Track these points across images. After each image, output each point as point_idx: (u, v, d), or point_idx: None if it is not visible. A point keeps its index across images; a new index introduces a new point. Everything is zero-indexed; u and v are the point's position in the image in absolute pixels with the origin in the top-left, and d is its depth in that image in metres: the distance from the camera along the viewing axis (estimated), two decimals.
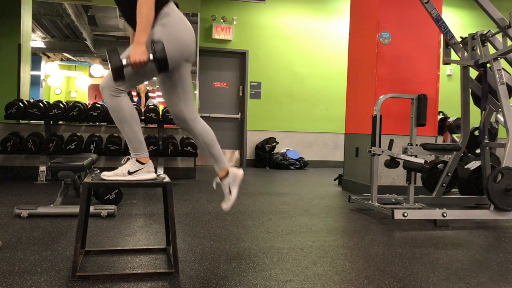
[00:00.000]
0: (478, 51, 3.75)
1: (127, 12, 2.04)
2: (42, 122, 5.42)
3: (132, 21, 2.00)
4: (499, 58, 3.56)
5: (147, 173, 2.06)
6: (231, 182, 2.33)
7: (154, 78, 2.21)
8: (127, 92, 2.03)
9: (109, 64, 1.83)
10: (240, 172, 2.37)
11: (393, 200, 3.98)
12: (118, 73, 1.83)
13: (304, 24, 8.36)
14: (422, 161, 3.51)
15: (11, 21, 6.01)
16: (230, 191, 2.33)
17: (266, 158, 7.92)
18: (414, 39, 4.78)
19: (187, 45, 2.04)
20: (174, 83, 2.11)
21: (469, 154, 4.62)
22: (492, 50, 3.72)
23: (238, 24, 8.03)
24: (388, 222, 3.40)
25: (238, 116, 8.21)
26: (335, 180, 5.94)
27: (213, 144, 2.29)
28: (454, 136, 5.37)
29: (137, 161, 2.05)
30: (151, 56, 1.86)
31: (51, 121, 5.46)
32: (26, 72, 6.20)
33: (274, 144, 8.03)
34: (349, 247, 2.65)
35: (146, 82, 6.83)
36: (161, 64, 1.87)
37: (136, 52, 1.85)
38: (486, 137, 3.97)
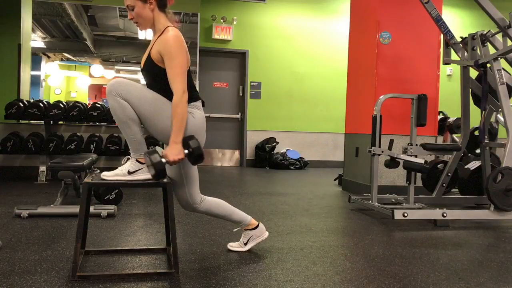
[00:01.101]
0: (478, 51, 3.75)
1: (148, 80, 2.12)
2: (42, 122, 5.42)
3: (149, 86, 2.10)
4: (499, 58, 3.56)
5: (147, 173, 2.07)
6: (254, 237, 2.43)
7: None
8: None
9: (151, 166, 1.93)
10: (267, 234, 2.47)
11: (393, 200, 3.98)
12: (162, 175, 1.95)
13: (304, 24, 8.36)
14: (422, 161, 3.51)
15: (11, 21, 6.01)
16: (246, 243, 2.43)
17: (266, 158, 7.92)
18: (414, 39, 4.78)
19: (200, 142, 2.13)
20: (179, 173, 2.16)
21: (469, 154, 4.62)
22: (492, 50, 3.72)
23: (238, 24, 8.03)
24: (388, 222, 3.40)
25: (238, 116, 8.21)
26: (335, 180, 5.94)
27: (230, 213, 2.36)
28: (454, 136, 5.37)
29: (137, 161, 2.05)
30: (186, 152, 1.98)
31: (51, 121, 5.46)
32: (26, 72, 6.20)
33: (274, 144, 8.03)
34: (349, 247, 2.65)
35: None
36: (197, 160, 2.00)
37: (173, 152, 1.96)
38: (486, 137, 3.97)
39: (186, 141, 1.99)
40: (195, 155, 1.98)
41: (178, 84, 1.97)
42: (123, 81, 2.01)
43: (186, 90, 2.00)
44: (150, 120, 2.02)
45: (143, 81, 2.22)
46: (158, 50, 2.01)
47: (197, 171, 2.23)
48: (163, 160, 1.95)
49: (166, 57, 1.99)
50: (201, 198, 2.26)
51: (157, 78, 2.05)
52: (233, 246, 2.47)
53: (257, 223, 2.45)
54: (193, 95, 2.09)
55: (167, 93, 2.03)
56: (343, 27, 7.97)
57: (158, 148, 2.03)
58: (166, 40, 1.99)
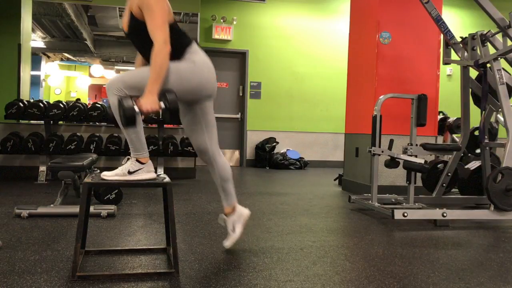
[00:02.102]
0: (478, 51, 3.75)
1: (141, 49, 2.12)
2: (42, 122, 5.42)
3: (146, 56, 2.06)
4: (499, 58, 3.56)
5: (147, 173, 2.07)
6: (236, 220, 2.42)
7: None
8: None
9: (121, 112, 1.87)
10: (246, 211, 2.47)
11: (393, 200, 3.98)
12: (129, 120, 1.87)
13: (304, 24, 8.36)
14: (422, 161, 3.51)
15: (11, 21, 6.01)
16: (234, 229, 2.42)
17: (266, 158, 7.92)
18: (414, 39, 4.78)
19: (208, 84, 2.14)
20: (197, 118, 2.18)
21: (469, 154, 4.62)
22: (492, 50, 3.72)
23: (238, 24, 8.03)
24: (388, 222, 3.40)
25: (238, 116, 8.21)
26: (335, 180, 5.94)
27: (228, 180, 2.38)
28: (454, 136, 5.37)
29: (137, 161, 2.05)
30: (162, 105, 1.90)
31: (51, 121, 5.46)
32: (26, 72, 6.20)
33: (274, 144, 8.03)
34: (349, 247, 2.65)
35: None
36: (172, 115, 1.91)
37: (147, 101, 1.89)
38: (486, 137, 3.97)
39: (163, 94, 1.91)
40: (171, 110, 1.89)
41: (158, 34, 1.93)
42: (118, 76, 2.02)
43: (168, 41, 1.94)
44: (194, 81, 2.02)
45: None
46: (137, 3, 1.98)
47: (215, 122, 2.29)
48: (136, 108, 1.88)
49: (145, 9, 1.96)
50: (219, 151, 2.30)
51: (143, 35, 1.99)
52: (228, 242, 2.42)
53: (235, 206, 2.43)
54: (185, 41, 2.06)
55: None
56: (343, 27, 7.96)
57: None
58: None
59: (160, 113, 1.96)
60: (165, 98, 1.89)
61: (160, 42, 1.93)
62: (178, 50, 2.04)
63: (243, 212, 2.46)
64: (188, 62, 2.07)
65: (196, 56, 2.10)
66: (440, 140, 5.27)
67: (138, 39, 2.08)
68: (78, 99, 7.84)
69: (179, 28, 2.12)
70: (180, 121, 2.11)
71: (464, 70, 4.01)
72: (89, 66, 8.93)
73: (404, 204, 3.74)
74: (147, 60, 2.12)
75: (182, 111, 2.24)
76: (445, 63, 4.19)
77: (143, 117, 1.99)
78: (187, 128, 2.32)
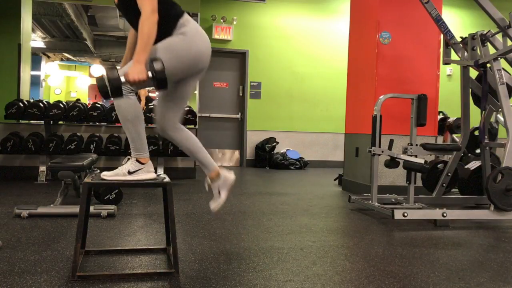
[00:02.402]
0: (478, 51, 3.75)
1: (131, 20, 2.05)
2: (42, 122, 5.42)
3: (133, 24, 2.02)
4: (499, 58, 3.56)
5: (147, 173, 2.07)
6: (221, 185, 2.32)
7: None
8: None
9: (106, 82, 1.81)
10: (231, 176, 2.35)
11: (393, 200, 3.98)
12: (116, 91, 1.82)
13: (304, 24, 8.36)
14: (422, 161, 3.51)
15: (11, 21, 6.01)
16: (219, 193, 2.32)
17: (266, 158, 7.92)
18: (414, 39, 4.78)
19: (203, 57, 2.05)
20: (174, 94, 2.08)
21: (469, 154, 4.62)
22: (492, 50, 3.72)
23: (238, 24, 8.03)
24: (388, 222, 3.40)
25: (238, 116, 8.21)
26: (335, 180, 5.94)
27: (197, 151, 2.25)
28: (454, 136, 5.37)
29: (137, 161, 2.05)
30: (150, 74, 1.85)
31: (51, 121, 5.46)
32: (26, 72, 6.20)
33: (274, 144, 8.03)
34: (349, 247, 2.65)
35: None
36: (160, 84, 1.85)
37: (134, 71, 1.83)
38: (486, 137, 3.97)
39: (150, 63, 1.86)
40: (158, 79, 1.83)
41: (146, 3, 1.87)
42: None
43: (155, 10, 1.89)
44: (172, 69, 1.94)
45: None
46: None
47: (187, 102, 2.16)
48: (122, 78, 1.83)
49: None
50: (180, 127, 2.18)
51: (133, 7, 1.93)
52: (214, 205, 2.36)
53: (219, 172, 2.32)
54: (176, 12, 2.00)
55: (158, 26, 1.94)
56: (343, 27, 7.95)
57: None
58: None
59: (151, 82, 1.90)
60: (152, 67, 1.85)
61: (148, 11, 1.87)
62: (168, 22, 1.97)
63: (228, 177, 2.33)
64: (180, 37, 1.99)
65: (188, 27, 2.01)
66: (440, 140, 5.27)
67: (128, 10, 2.01)
68: (78, 99, 7.85)
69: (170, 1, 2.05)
70: (167, 89, 2.00)
71: (464, 70, 4.01)
72: (89, 66, 8.93)
73: (404, 204, 3.74)
74: (130, 23, 2.05)
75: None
76: (445, 63, 4.19)
77: (132, 87, 1.90)
78: (160, 99, 2.18)
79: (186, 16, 2.04)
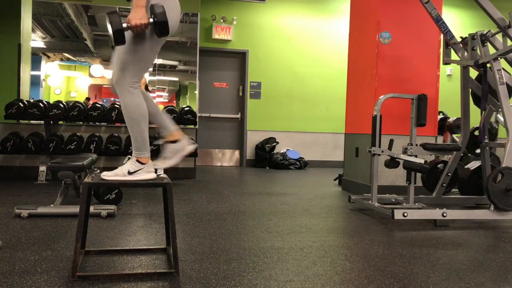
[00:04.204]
0: (478, 51, 3.75)
1: None
2: (42, 122, 5.42)
3: None
4: (499, 58, 3.56)
5: (147, 173, 2.06)
6: (175, 149, 2.21)
7: (154, 78, 2.20)
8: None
9: (109, 28, 1.81)
10: (189, 147, 2.25)
11: (393, 200, 3.98)
12: (118, 36, 1.81)
13: (304, 24, 8.36)
14: (422, 161, 3.51)
15: (11, 21, 6.01)
16: (170, 157, 2.22)
17: (266, 158, 7.92)
18: (414, 39, 4.78)
19: (174, 20, 2.01)
20: (136, 49, 1.97)
21: (469, 154, 4.62)
22: (492, 50, 3.72)
23: (238, 24, 8.03)
24: (388, 222, 3.40)
25: (238, 116, 8.21)
26: (335, 180, 5.94)
27: (150, 116, 2.09)
28: (454, 136, 5.37)
29: (138, 161, 2.05)
30: (151, 20, 1.87)
31: (51, 121, 5.46)
32: (26, 72, 6.20)
33: (274, 144, 8.03)
34: (349, 247, 2.65)
35: (147, 77, 6.81)
36: (161, 27, 1.87)
37: (136, 16, 1.85)
38: (486, 137, 3.97)
39: (152, 7, 1.88)
40: (159, 22, 1.85)
41: None
42: (119, 71, 1.98)
43: None
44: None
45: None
46: None
47: (150, 62, 2.07)
48: (124, 24, 1.84)
49: None
50: (137, 87, 2.02)
51: None
52: (160, 164, 2.26)
53: (178, 137, 2.23)
54: None
55: None
56: (343, 27, 7.96)
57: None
58: None
59: (152, 26, 1.90)
60: (153, 12, 1.86)
61: None
62: None
63: (185, 147, 2.23)
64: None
65: None
66: (440, 140, 5.27)
67: None
68: (88, 98, 7.86)
69: None
70: (168, 33, 1.93)
71: (464, 70, 4.01)
72: (89, 66, 8.92)
73: (404, 204, 3.74)
74: None
75: (128, 39, 1.97)
76: (445, 63, 4.19)
77: (132, 30, 1.87)
78: (116, 53, 2.06)
79: None
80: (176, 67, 7.46)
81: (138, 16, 1.85)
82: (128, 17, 1.87)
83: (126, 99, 1.98)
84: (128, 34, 1.93)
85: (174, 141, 2.22)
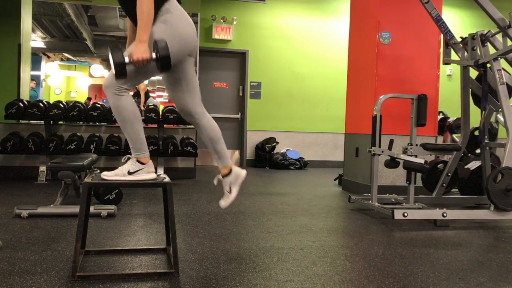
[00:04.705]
0: (478, 51, 3.75)
1: (126, 5, 2.04)
2: (42, 122, 5.42)
3: (131, 15, 2.01)
4: (499, 58, 3.56)
5: (147, 173, 2.06)
6: (232, 181, 2.31)
7: (154, 78, 2.21)
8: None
9: (111, 61, 1.81)
10: (243, 172, 2.34)
11: (393, 200, 3.98)
12: (120, 71, 1.81)
13: (304, 24, 8.36)
14: (422, 161, 3.51)
15: (11, 21, 6.01)
16: (230, 190, 2.31)
17: (266, 158, 7.92)
18: (414, 39, 4.78)
19: (189, 41, 2.05)
20: (178, 77, 2.11)
21: (469, 154, 4.62)
22: (492, 50, 3.72)
23: (238, 24, 8.03)
24: (388, 222, 3.40)
25: (238, 116, 8.21)
26: (335, 180, 5.94)
27: (218, 141, 2.27)
28: (454, 136, 5.37)
29: (138, 161, 2.05)
30: (153, 55, 1.86)
31: (51, 121, 5.46)
32: (26, 72, 6.20)
33: (274, 144, 8.03)
34: (349, 247, 2.65)
35: (146, 82, 6.83)
36: (163, 63, 1.85)
37: (138, 50, 1.84)
38: (486, 137, 3.97)
39: (154, 42, 1.87)
40: (162, 57, 1.83)
41: None
42: (112, 72, 1.99)
43: None
44: (173, 40, 1.93)
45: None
46: None
47: (197, 81, 2.19)
48: (126, 58, 1.83)
49: None
50: (204, 111, 2.21)
51: None
52: (224, 202, 2.34)
53: (231, 167, 2.32)
54: None
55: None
56: (343, 27, 7.96)
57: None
58: None
59: (154, 62, 1.90)
60: (155, 47, 1.85)
61: None
62: (157, 3, 1.95)
63: (240, 173, 2.32)
64: (162, 26, 1.98)
65: (172, 14, 1.99)
66: (440, 140, 5.27)
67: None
68: (89, 98, 7.86)
69: None
70: (170, 68, 2.00)
71: (464, 70, 4.01)
72: (89, 66, 8.93)
73: (404, 204, 3.74)
74: (134, 22, 2.04)
75: (164, 73, 2.12)
76: (445, 63, 4.19)
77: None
78: (169, 89, 2.22)
79: (172, 1, 2.01)
80: None
81: (140, 50, 1.84)
82: (130, 50, 1.86)
83: (112, 102, 1.98)
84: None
85: (228, 174, 2.30)
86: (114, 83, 1.94)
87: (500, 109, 3.68)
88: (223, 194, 2.33)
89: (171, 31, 1.97)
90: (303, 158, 8.08)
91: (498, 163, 4.36)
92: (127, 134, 2.02)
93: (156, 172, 2.14)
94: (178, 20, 2.01)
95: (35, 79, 7.68)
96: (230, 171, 2.30)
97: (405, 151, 3.68)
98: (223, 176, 2.31)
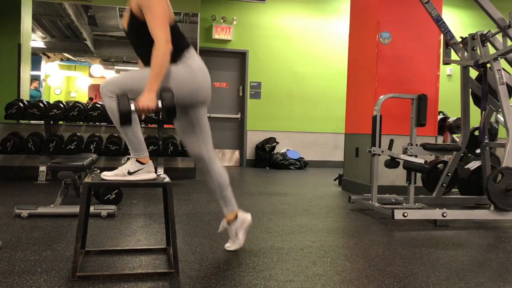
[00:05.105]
0: (478, 51, 3.75)
1: (138, 47, 2.08)
2: (42, 122, 5.42)
3: (142, 57, 2.07)
4: (499, 58, 3.56)
5: (147, 173, 2.07)
6: (238, 226, 2.40)
7: None
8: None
9: (117, 107, 1.85)
10: (248, 217, 2.44)
11: (393, 200, 3.98)
12: (125, 118, 1.85)
13: (304, 24, 8.36)
14: (422, 161, 3.51)
15: (11, 21, 6.00)
16: (236, 235, 2.41)
17: (266, 158, 7.92)
18: (414, 39, 4.78)
19: (203, 89, 2.12)
20: (191, 124, 2.16)
21: (469, 154, 4.62)
22: (492, 50, 3.72)
23: (238, 24, 8.03)
24: (388, 222, 3.40)
25: (238, 116, 8.21)
26: (335, 180, 5.94)
27: (226, 187, 2.36)
28: (454, 136, 5.37)
29: (137, 161, 2.05)
30: (159, 104, 1.89)
31: (51, 121, 5.46)
32: (26, 72, 6.20)
33: (274, 144, 8.03)
34: (349, 247, 2.65)
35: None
36: (169, 114, 1.89)
37: (145, 99, 1.88)
38: (486, 137, 3.97)
39: (160, 93, 1.90)
40: (167, 108, 1.87)
41: (159, 33, 1.92)
42: (112, 78, 2.02)
43: (169, 40, 1.95)
44: (186, 86, 2.01)
45: None
46: (136, 2, 1.98)
47: (209, 128, 2.25)
48: (132, 106, 1.86)
49: (145, 9, 1.95)
50: (215, 156, 2.27)
51: (141, 34, 2.00)
52: (230, 245, 2.44)
53: (237, 213, 2.40)
54: (183, 44, 2.05)
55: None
56: (343, 27, 7.96)
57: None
58: None
59: (160, 111, 1.95)
60: (162, 96, 1.88)
61: (162, 40, 1.92)
62: (175, 52, 2.02)
63: (245, 218, 2.43)
64: (185, 66, 2.07)
65: (193, 60, 2.09)
66: (440, 140, 5.27)
67: (137, 38, 2.08)
68: (91, 98, 7.85)
69: (179, 30, 2.12)
70: (176, 120, 2.09)
71: (464, 70, 4.01)
72: (89, 66, 8.92)
73: (404, 204, 3.74)
74: (142, 60, 2.12)
75: (177, 116, 2.20)
76: (445, 63, 4.19)
77: (142, 117, 1.98)
78: (182, 134, 2.31)
79: (192, 50, 2.11)
80: None
81: (147, 99, 1.88)
82: (137, 98, 1.89)
83: (106, 102, 2.00)
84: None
85: (234, 219, 2.39)
86: (110, 88, 1.96)
87: (500, 109, 3.68)
88: (230, 239, 2.44)
89: (184, 78, 2.04)
90: (303, 158, 8.08)
91: (498, 163, 4.36)
92: (124, 135, 2.03)
93: (156, 172, 2.15)
94: (193, 69, 2.07)
95: (33, 79, 7.69)
96: (235, 217, 2.39)
97: (405, 151, 3.68)
98: (229, 223, 2.40)
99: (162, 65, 1.92)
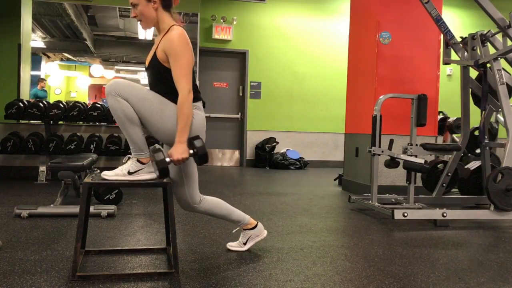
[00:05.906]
0: (478, 51, 3.75)
1: (154, 86, 2.11)
2: (42, 122, 5.42)
3: (152, 88, 2.09)
4: (499, 58, 3.56)
5: (148, 173, 2.06)
6: (253, 236, 2.44)
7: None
8: None
9: (155, 164, 1.94)
10: (265, 233, 2.49)
11: (393, 200, 3.98)
12: (164, 173, 1.94)
13: (304, 24, 8.36)
14: (422, 161, 3.51)
15: (11, 21, 6.01)
16: (246, 243, 2.44)
17: (266, 158, 7.92)
18: (414, 39, 4.78)
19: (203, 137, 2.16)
20: (178, 169, 2.15)
21: (469, 154, 4.62)
22: (492, 50, 3.72)
23: (238, 24, 8.03)
24: (388, 222, 3.40)
25: (238, 116, 8.21)
26: (335, 180, 5.94)
27: (229, 213, 2.37)
28: (454, 136, 5.37)
29: (138, 161, 2.05)
30: (191, 152, 1.99)
31: (51, 121, 5.46)
32: (26, 72, 6.20)
33: (274, 144, 8.03)
34: (349, 247, 2.65)
35: (146, 82, 6.82)
36: (202, 159, 2.00)
37: (177, 151, 1.95)
38: (486, 137, 3.97)
39: (191, 141, 1.99)
40: (200, 155, 1.98)
41: (184, 83, 1.98)
42: (122, 81, 2.01)
43: (192, 90, 2.00)
44: (150, 120, 2.02)
45: (143, 81, 2.23)
46: (163, 49, 2.01)
47: (197, 171, 2.23)
48: (167, 159, 1.95)
49: (172, 57, 1.99)
50: (200, 198, 2.26)
51: (161, 77, 2.05)
52: (233, 246, 2.47)
53: (256, 222, 2.45)
54: (194, 96, 2.09)
55: (170, 94, 2.03)
56: (343, 27, 7.97)
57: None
58: (171, 39, 1.99)
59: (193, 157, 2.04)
60: (192, 145, 1.98)
61: (185, 91, 1.97)
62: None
63: (262, 231, 2.47)
64: (198, 117, 2.10)
65: (198, 115, 2.10)
66: (440, 140, 5.27)
67: (156, 78, 2.09)
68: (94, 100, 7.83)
69: (195, 80, 2.13)
70: (207, 162, 2.11)
71: (464, 70, 4.01)
72: (89, 66, 8.92)
73: (404, 204, 3.74)
74: (151, 86, 2.14)
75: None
76: (445, 63, 4.19)
77: (175, 163, 2.01)
78: (172, 182, 2.29)
79: (200, 104, 2.14)
80: None
81: (180, 151, 1.96)
82: (170, 151, 1.97)
83: (111, 103, 2.01)
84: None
85: (252, 228, 2.44)
86: (117, 92, 1.96)
87: (500, 109, 3.68)
88: (237, 240, 2.48)
89: (197, 127, 2.08)
90: (303, 158, 8.08)
91: (498, 163, 4.36)
92: (126, 135, 2.03)
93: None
94: (200, 120, 2.10)
95: (41, 79, 7.71)
96: (255, 226, 2.44)
97: (405, 151, 3.68)
98: (245, 229, 2.44)
99: (188, 116, 1.98)
